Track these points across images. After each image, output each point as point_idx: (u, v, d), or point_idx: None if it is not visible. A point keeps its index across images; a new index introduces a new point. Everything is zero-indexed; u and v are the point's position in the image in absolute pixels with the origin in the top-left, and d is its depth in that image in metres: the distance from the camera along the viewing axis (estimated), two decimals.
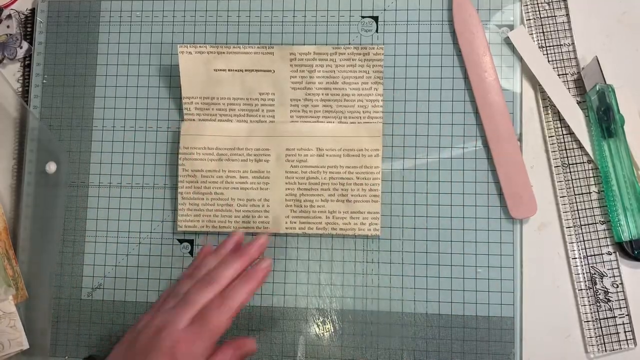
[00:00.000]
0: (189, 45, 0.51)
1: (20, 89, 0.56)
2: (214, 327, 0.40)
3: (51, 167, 0.53)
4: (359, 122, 0.51)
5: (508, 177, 0.49)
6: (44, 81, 0.55)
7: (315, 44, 0.52)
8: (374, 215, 0.50)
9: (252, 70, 0.51)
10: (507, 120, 0.50)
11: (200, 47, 0.51)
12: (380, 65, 0.50)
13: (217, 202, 0.51)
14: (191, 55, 0.51)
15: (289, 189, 0.51)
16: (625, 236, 0.48)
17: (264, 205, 0.51)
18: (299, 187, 0.51)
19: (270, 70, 0.51)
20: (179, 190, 0.52)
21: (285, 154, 0.51)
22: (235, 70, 0.51)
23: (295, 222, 0.50)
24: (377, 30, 0.52)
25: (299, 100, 0.51)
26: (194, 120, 0.52)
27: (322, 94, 0.51)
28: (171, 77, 0.54)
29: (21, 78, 0.56)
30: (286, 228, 0.51)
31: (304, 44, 0.52)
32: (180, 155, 0.52)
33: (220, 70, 0.51)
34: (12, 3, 0.56)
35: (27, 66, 0.56)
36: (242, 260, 0.43)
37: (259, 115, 0.51)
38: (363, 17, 0.53)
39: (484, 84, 0.50)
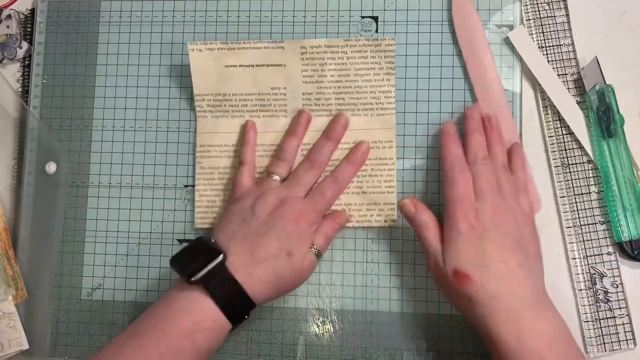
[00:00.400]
0: (198, 43, 0.51)
1: (20, 89, 0.55)
2: (328, 200, 0.48)
3: (51, 167, 0.53)
4: (372, 115, 0.51)
5: None
6: (44, 81, 0.55)
7: None
8: (390, 207, 0.50)
9: (263, 65, 0.51)
10: (509, 119, 0.50)
11: (210, 44, 0.51)
12: (392, 57, 0.50)
13: None
14: (201, 53, 0.51)
15: None
16: (625, 236, 0.48)
17: None
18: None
19: (281, 65, 0.51)
20: (196, 187, 0.52)
21: (300, 148, 0.51)
22: (246, 66, 0.51)
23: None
24: (376, 31, 0.52)
25: (311, 94, 0.51)
26: (206, 117, 0.52)
27: (334, 87, 0.51)
28: (171, 77, 0.54)
29: (21, 78, 0.56)
30: None
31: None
32: (197, 153, 0.52)
33: (231, 66, 0.51)
34: (12, 3, 0.56)
35: (26, 66, 0.56)
36: (333, 143, 0.50)
37: (272, 110, 0.52)
38: (363, 17, 0.53)
39: (484, 82, 0.50)
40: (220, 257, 0.43)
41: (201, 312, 0.42)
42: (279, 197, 0.46)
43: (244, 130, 0.51)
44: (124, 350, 0.41)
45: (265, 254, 0.44)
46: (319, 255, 0.47)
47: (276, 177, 0.48)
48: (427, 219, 0.45)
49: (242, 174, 0.49)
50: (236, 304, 0.43)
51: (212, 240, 0.45)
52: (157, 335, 0.41)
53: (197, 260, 0.43)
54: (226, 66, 0.51)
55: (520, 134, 0.50)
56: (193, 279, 0.42)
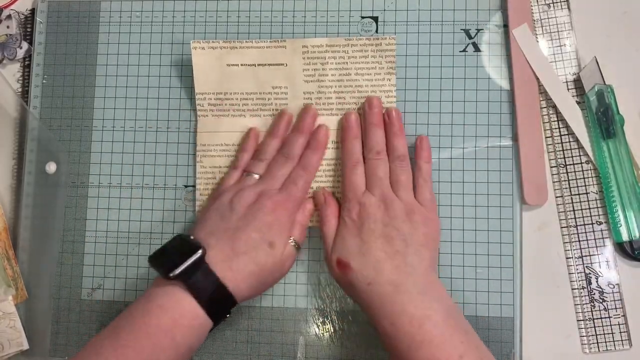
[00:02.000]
0: (201, 41, 0.51)
1: (20, 89, 0.55)
2: (301, 189, 0.48)
3: (51, 167, 0.53)
4: None
5: (529, 166, 0.49)
6: (44, 81, 0.55)
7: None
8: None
9: (265, 64, 0.51)
10: (537, 115, 0.50)
11: (213, 42, 0.51)
12: (393, 56, 0.50)
13: None
14: (204, 51, 0.51)
15: None
16: (625, 236, 0.48)
17: None
18: (315, 180, 0.51)
19: (282, 64, 0.51)
20: (197, 187, 0.52)
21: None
22: (248, 65, 0.51)
23: (312, 215, 0.50)
24: (376, 31, 0.52)
25: (312, 92, 0.51)
26: (207, 116, 0.52)
27: (335, 86, 0.51)
28: (171, 77, 0.54)
29: (21, 78, 0.56)
30: None
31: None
32: (197, 153, 0.52)
33: (233, 65, 0.51)
34: (12, 3, 0.56)
35: (26, 66, 0.56)
36: (305, 135, 0.50)
37: (272, 109, 0.52)
38: (363, 17, 0.53)
39: (525, 78, 0.50)
40: (200, 251, 0.43)
41: (180, 308, 0.42)
42: (256, 192, 0.47)
43: (246, 136, 0.51)
44: (102, 350, 0.40)
45: (246, 246, 0.44)
46: (297, 247, 0.47)
47: (255, 176, 0.49)
48: (328, 213, 0.48)
49: (230, 177, 0.50)
50: (217, 299, 0.43)
51: (191, 237, 0.45)
52: (136, 333, 0.41)
53: (176, 256, 0.43)
54: (228, 65, 0.51)
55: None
56: (171, 274, 0.41)
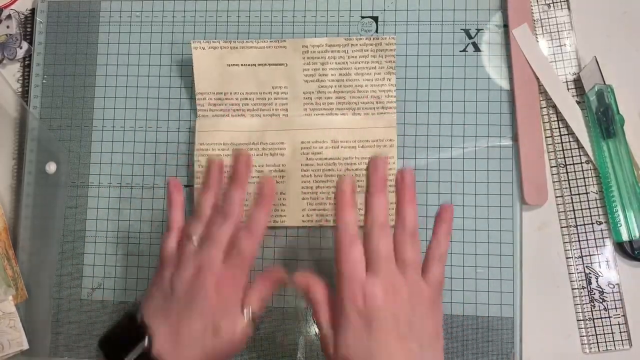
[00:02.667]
0: (202, 41, 0.51)
1: (20, 89, 0.55)
2: (248, 255, 0.42)
3: (51, 167, 0.53)
4: (372, 113, 0.51)
5: (529, 166, 0.49)
6: (44, 81, 0.55)
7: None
8: (390, 206, 0.50)
9: (265, 64, 0.51)
10: (537, 115, 0.50)
11: (213, 42, 0.51)
12: (393, 56, 0.51)
13: None
14: (204, 51, 0.51)
15: (305, 182, 0.51)
16: (625, 236, 0.48)
17: (280, 198, 0.51)
18: (315, 180, 0.51)
19: (283, 64, 0.51)
20: (195, 186, 0.52)
21: (300, 147, 0.51)
22: (249, 65, 0.51)
23: (312, 215, 0.51)
24: (376, 31, 0.52)
25: (312, 92, 0.51)
26: (207, 116, 0.52)
27: (335, 86, 0.51)
28: (171, 77, 0.54)
29: (21, 78, 0.56)
30: (303, 221, 0.51)
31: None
32: (195, 152, 0.52)
33: (234, 65, 0.52)
34: (12, 3, 0.56)
35: (26, 66, 0.55)
36: (241, 188, 0.43)
37: (272, 109, 0.52)
38: (363, 17, 0.53)
39: (525, 78, 0.50)
40: (145, 342, 0.40)
41: None
42: (195, 265, 0.41)
43: (168, 191, 0.46)
44: None
45: (190, 336, 0.40)
46: (255, 319, 0.42)
47: (194, 238, 0.43)
48: (319, 298, 0.41)
49: (166, 242, 0.44)
50: None
51: (139, 318, 0.42)
52: None
53: (123, 343, 0.40)
54: (228, 65, 0.51)
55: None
56: None
